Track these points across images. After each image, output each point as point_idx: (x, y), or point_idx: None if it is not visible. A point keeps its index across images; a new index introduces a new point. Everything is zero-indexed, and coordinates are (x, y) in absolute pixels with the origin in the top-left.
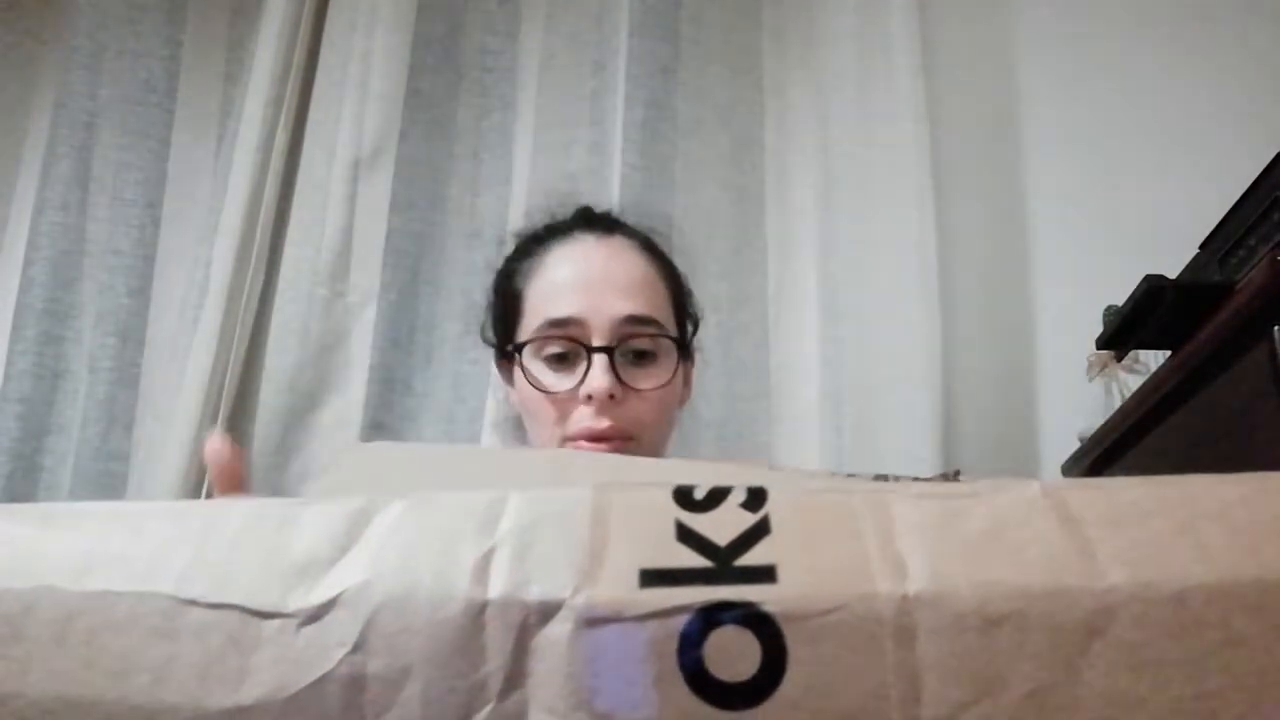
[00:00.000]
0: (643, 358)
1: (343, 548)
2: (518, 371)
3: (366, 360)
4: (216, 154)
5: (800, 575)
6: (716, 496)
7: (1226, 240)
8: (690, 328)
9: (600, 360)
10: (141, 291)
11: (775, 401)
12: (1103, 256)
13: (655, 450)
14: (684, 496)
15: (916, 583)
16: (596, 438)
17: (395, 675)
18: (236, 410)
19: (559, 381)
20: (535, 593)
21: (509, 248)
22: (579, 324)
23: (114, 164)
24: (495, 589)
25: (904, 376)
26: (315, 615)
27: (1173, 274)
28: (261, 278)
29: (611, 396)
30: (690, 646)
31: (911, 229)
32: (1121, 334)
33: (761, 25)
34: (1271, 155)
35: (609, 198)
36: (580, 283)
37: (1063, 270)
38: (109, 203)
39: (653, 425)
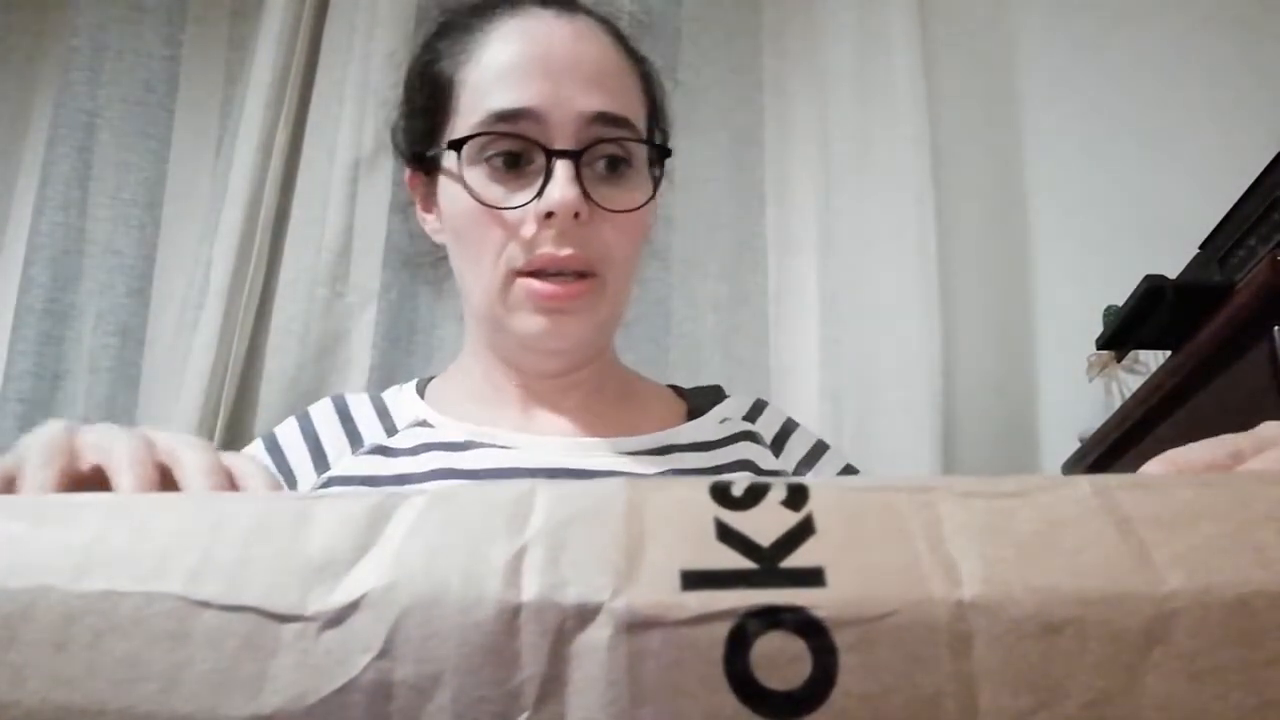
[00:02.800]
0: (615, 171)
1: (363, 546)
2: (447, 184)
3: (366, 360)
4: (216, 154)
5: (850, 578)
6: (756, 494)
7: (1226, 240)
8: (665, 142)
9: (564, 167)
10: (141, 291)
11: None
12: (1103, 256)
13: (619, 295)
14: (722, 493)
15: (971, 587)
16: (556, 270)
17: (424, 683)
18: (236, 410)
19: (507, 195)
20: (572, 595)
21: (432, 29)
22: (536, 119)
23: (114, 164)
24: (529, 591)
25: (904, 376)
26: (337, 618)
27: (1173, 274)
28: (261, 278)
29: (577, 215)
30: (737, 653)
31: (911, 229)
32: (1121, 334)
33: (761, 25)
34: (1271, 155)
35: None
36: (538, 66)
37: (1063, 270)
38: (109, 203)
39: (621, 261)
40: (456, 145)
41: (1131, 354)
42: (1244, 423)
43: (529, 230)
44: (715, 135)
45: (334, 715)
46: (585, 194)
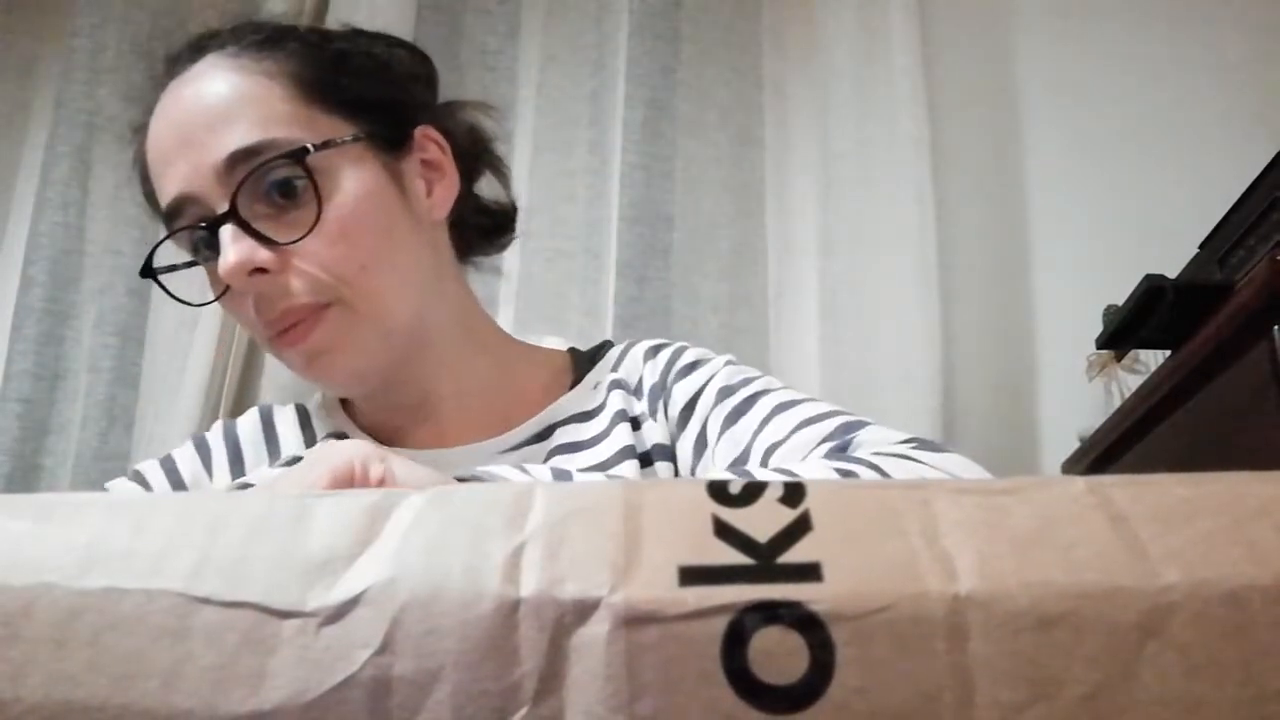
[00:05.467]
0: (287, 196)
1: (363, 543)
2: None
3: None
4: None
5: (847, 573)
6: (753, 491)
7: (1226, 240)
8: (388, 109)
9: (224, 234)
10: (141, 291)
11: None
12: (1103, 256)
13: (381, 300)
14: (719, 491)
15: (967, 582)
16: (287, 336)
17: (423, 678)
18: (236, 410)
19: (215, 285)
20: (570, 591)
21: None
22: (191, 201)
23: (114, 164)
24: (528, 586)
25: (904, 376)
26: (337, 614)
27: (1173, 274)
28: None
29: (259, 271)
30: (734, 648)
31: (911, 229)
32: (1121, 334)
33: (761, 25)
34: (1271, 155)
35: (609, 198)
36: (169, 149)
37: (1063, 270)
38: (109, 203)
39: (357, 270)
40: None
41: (1131, 354)
42: (1244, 423)
43: (248, 304)
44: (715, 135)
45: (334, 711)
46: (265, 239)
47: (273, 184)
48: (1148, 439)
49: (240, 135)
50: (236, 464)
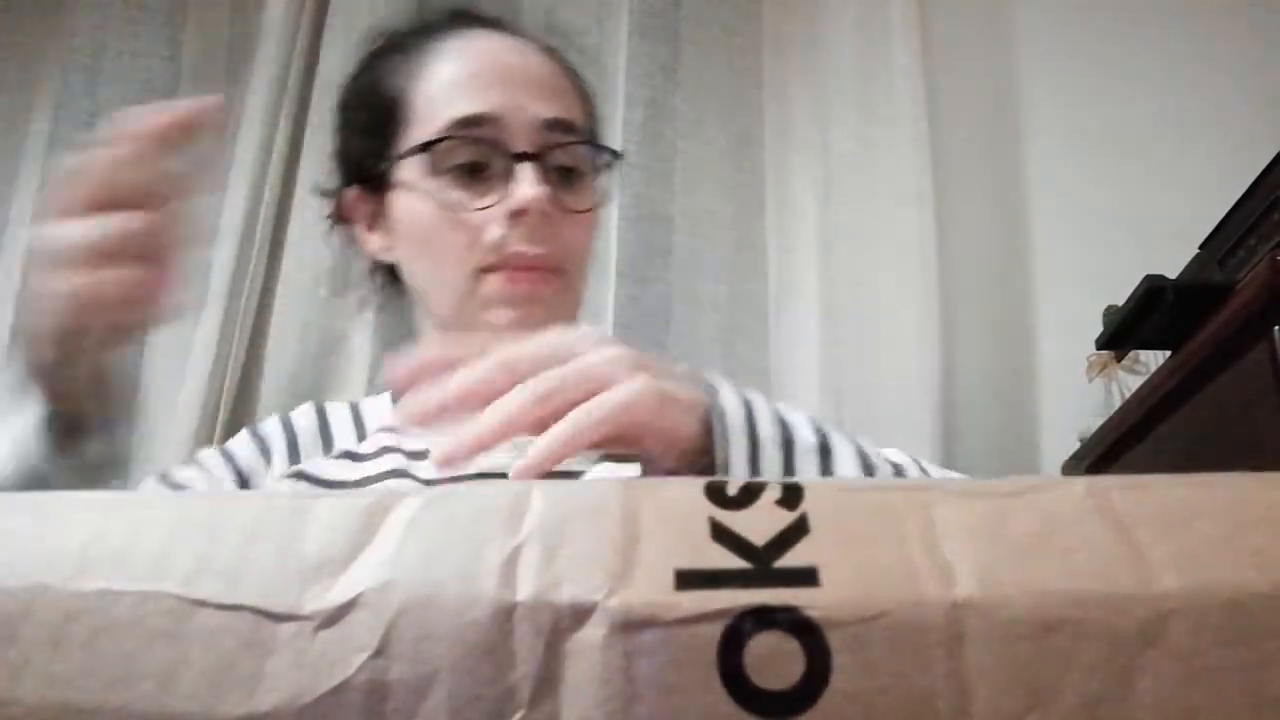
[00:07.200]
0: (569, 175)
1: (360, 544)
2: (403, 197)
3: (366, 360)
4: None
5: (844, 578)
6: (751, 493)
7: (1226, 240)
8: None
9: (529, 169)
10: None
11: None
12: (1103, 256)
13: (580, 295)
14: (717, 492)
15: (965, 588)
16: (528, 266)
17: (419, 682)
18: (236, 410)
19: (471, 199)
20: (566, 594)
21: (363, 51)
22: (495, 123)
23: None
24: (524, 590)
25: (904, 376)
26: (333, 618)
27: (1173, 274)
28: (261, 278)
29: (547, 214)
30: (729, 652)
31: (911, 229)
32: (1121, 334)
33: (761, 25)
34: (1271, 155)
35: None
36: (493, 76)
37: (1063, 270)
38: None
39: (582, 258)
40: (421, 149)
41: (1131, 354)
42: (1244, 423)
43: (494, 232)
44: (715, 135)
45: (330, 715)
46: (555, 196)
47: (565, 163)
48: (1148, 439)
49: (565, 107)
50: (293, 453)
